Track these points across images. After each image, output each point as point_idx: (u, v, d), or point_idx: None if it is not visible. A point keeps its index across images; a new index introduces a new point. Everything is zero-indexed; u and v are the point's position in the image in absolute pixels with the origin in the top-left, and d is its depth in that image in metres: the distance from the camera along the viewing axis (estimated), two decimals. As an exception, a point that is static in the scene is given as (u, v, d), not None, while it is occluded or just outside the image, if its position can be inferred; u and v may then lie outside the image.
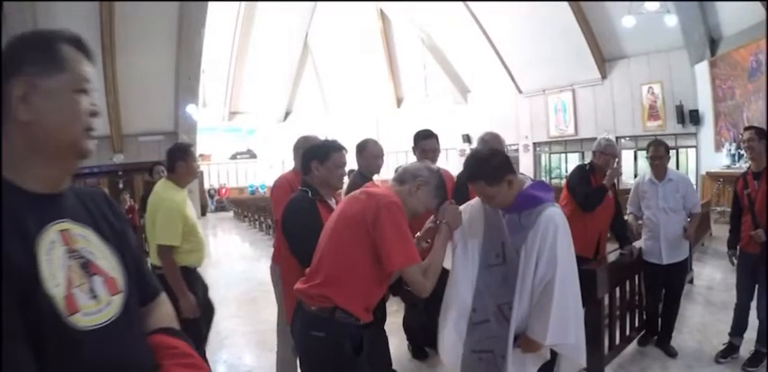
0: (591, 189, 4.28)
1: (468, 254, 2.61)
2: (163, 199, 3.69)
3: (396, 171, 2.56)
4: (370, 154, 4.23)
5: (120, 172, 19.20)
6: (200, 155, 22.22)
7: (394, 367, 3.96)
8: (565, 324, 2.36)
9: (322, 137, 3.77)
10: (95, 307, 1.09)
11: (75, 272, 1.08)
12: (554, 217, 2.40)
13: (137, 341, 1.20)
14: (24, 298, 0.97)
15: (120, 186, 18.09)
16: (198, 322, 3.63)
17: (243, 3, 26.94)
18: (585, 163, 4.63)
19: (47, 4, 15.20)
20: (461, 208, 2.74)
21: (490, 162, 2.45)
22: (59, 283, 1.03)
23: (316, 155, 3.03)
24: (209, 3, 18.28)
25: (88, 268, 1.11)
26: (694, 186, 5.76)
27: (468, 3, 19.39)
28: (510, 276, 2.47)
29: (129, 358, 1.14)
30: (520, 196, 2.47)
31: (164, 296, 1.40)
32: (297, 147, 3.83)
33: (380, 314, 3.50)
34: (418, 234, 2.59)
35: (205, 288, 3.98)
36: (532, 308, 2.42)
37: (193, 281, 3.72)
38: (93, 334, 1.06)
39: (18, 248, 0.99)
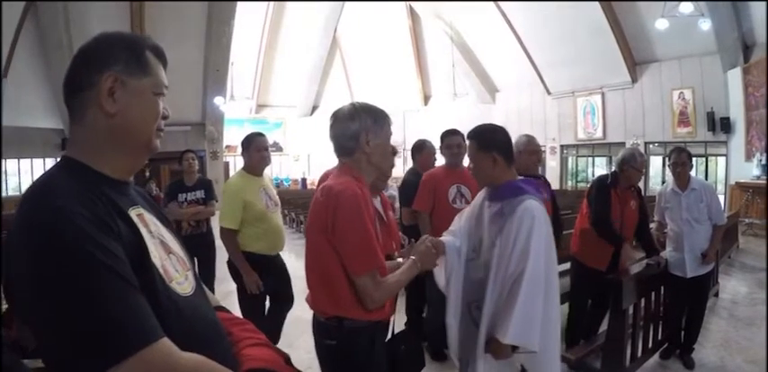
0: (609, 228, 4.13)
1: (462, 250, 2.61)
2: (228, 185, 4.10)
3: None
4: (429, 152, 4.65)
5: (146, 162, 19.23)
6: (227, 147, 22.35)
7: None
8: (529, 325, 2.19)
9: None
10: (181, 279, 1.21)
11: (160, 249, 1.19)
12: (533, 208, 2.32)
13: (212, 310, 1.34)
14: (137, 265, 1.06)
15: (147, 175, 18.32)
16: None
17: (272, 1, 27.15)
18: (608, 173, 4.44)
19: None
20: (466, 211, 2.78)
21: (491, 132, 2.56)
22: (156, 255, 1.14)
23: None
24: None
25: (166, 247, 1.22)
26: (720, 196, 5.64)
27: (499, 2, 19.29)
28: (482, 272, 2.42)
29: (214, 323, 1.29)
30: (505, 185, 2.47)
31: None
32: None
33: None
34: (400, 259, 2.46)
35: (278, 278, 4.20)
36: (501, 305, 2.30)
37: (257, 268, 3.98)
38: (186, 301, 1.18)
39: (123, 224, 1.10)
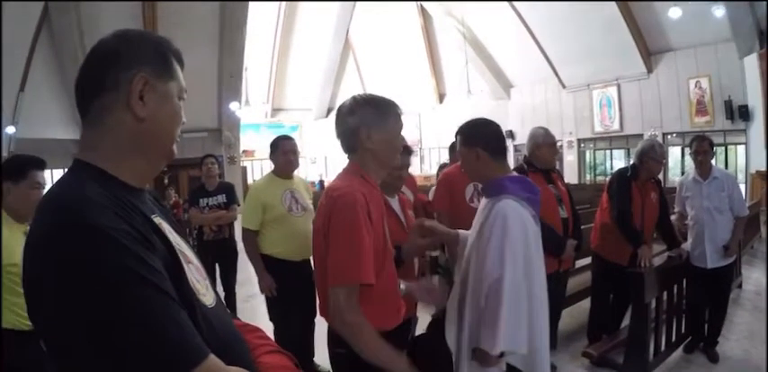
0: (630, 227, 4.10)
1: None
2: (251, 188, 4.24)
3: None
4: None
5: (165, 168, 19.30)
6: (244, 152, 22.43)
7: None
8: (516, 331, 2.06)
9: None
10: (203, 290, 1.14)
11: (182, 260, 1.10)
12: (506, 208, 2.17)
13: (231, 320, 1.28)
14: (174, 279, 1.00)
15: (166, 182, 18.42)
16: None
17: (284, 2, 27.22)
18: (628, 166, 4.39)
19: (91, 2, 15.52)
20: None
21: (477, 127, 2.48)
22: (185, 267, 1.08)
23: None
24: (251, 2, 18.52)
25: (185, 256, 1.12)
26: (740, 185, 5.54)
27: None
28: (468, 272, 2.33)
29: (236, 333, 1.24)
30: (490, 182, 2.36)
31: None
32: None
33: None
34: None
35: (299, 289, 4.00)
36: (482, 313, 2.15)
37: (273, 271, 3.97)
38: (212, 312, 1.12)
39: (154, 235, 1.02)
